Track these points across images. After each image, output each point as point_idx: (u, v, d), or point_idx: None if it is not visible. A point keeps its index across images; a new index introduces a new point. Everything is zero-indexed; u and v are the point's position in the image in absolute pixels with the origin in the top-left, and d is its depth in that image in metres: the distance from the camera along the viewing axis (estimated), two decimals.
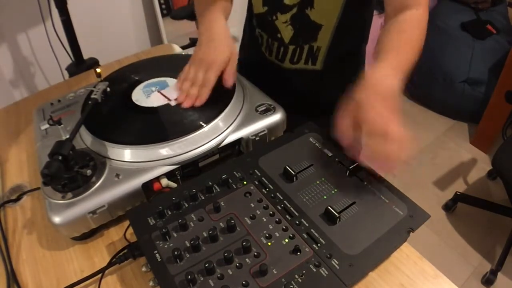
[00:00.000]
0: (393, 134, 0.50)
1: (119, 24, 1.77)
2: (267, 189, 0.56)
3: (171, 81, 0.74)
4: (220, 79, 0.67)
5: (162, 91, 0.71)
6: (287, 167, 0.57)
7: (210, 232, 0.49)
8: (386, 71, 0.57)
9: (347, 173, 0.57)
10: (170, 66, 0.79)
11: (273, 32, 0.81)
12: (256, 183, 0.57)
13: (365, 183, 0.56)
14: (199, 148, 0.61)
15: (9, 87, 1.58)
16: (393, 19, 0.65)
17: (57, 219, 0.54)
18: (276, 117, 0.67)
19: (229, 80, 0.68)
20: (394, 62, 0.59)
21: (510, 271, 1.52)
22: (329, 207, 0.51)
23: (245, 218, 0.52)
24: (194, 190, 0.55)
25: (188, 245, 0.49)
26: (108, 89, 0.70)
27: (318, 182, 0.57)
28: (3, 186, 0.71)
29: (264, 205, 0.54)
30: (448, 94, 2.18)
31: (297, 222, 0.51)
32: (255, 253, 0.48)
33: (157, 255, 0.48)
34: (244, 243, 0.47)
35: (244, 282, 0.45)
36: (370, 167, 0.57)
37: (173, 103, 0.68)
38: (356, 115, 0.53)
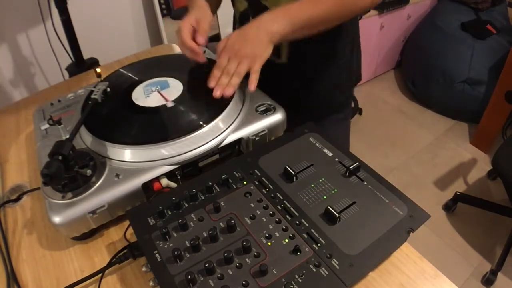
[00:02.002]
0: (239, 51, 0.64)
1: (119, 24, 1.77)
2: (267, 189, 0.56)
3: (171, 81, 0.74)
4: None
5: (162, 91, 0.71)
6: (287, 167, 0.57)
7: (210, 232, 0.49)
8: (270, 15, 0.65)
9: (347, 173, 0.57)
10: (170, 66, 0.79)
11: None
12: (256, 183, 0.57)
13: (365, 183, 0.56)
14: (199, 148, 0.61)
15: (9, 87, 1.58)
16: None
17: (57, 219, 0.54)
18: (276, 117, 0.67)
19: (198, 37, 0.70)
20: (288, 7, 0.66)
21: (510, 271, 1.52)
22: (329, 207, 0.51)
23: (245, 218, 0.52)
24: (194, 190, 0.55)
25: (188, 245, 0.49)
26: (108, 89, 0.70)
27: (318, 182, 0.57)
28: (3, 186, 0.71)
29: (264, 205, 0.54)
30: (448, 94, 2.18)
31: (297, 222, 0.51)
32: (255, 253, 0.48)
33: (157, 255, 0.48)
34: (244, 243, 0.48)
35: (244, 282, 0.45)
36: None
37: (169, 104, 0.67)
38: (226, 40, 0.66)
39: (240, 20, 0.87)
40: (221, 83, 0.65)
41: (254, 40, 0.65)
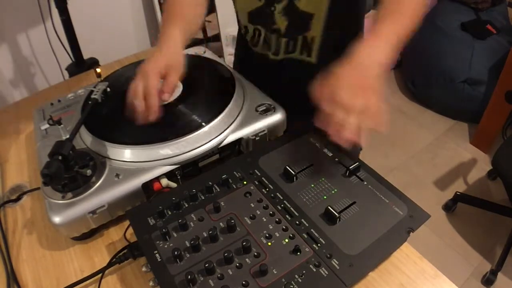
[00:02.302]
0: (354, 107, 0.52)
1: (119, 24, 1.77)
2: (267, 189, 0.56)
3: None
4: (226, 75, 0.67)
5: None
6: (287, 167, 0.57)
7: (210, 232, 0.49)
8: (373, 45, 0.58)
9: (347, 173, 0.57)
10: None
11: (271, 24, 0.81)
12: (256, 183, 0.57)
13: (365, 183, 0.56)
14: (199, 148, 0.61)
15: (9, 87, 1.58)
16: None
17: (57, 219, 0.54)
18: (276, 117, 0.67)
19: (163, 93, 0.63)
20: (385, 33, 0.59)
21: (510, 271, 1.52)
22: (329, 207, 0.51)
23: (245, 218, 0.52)
24: (194, 190, 0.55)
25: (188, 245, 0.49)
26: (108, 89, 0.70)
27: (318, 182, 0.57)
28: (3, 186, 0.71)
29: (264, 205, 0.54)
30: (448, 94, 2.18)
31: (297, 222, 0.51)
32: (255, 253, 0.48)
33: (157, 255, 0.48)
34: (244, 243, 0.48)
35: (244, 282, 0.45)
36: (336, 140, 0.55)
37: (171, 99, 0.66)
38: (330, 87, 0.56)
39: (251, 19, 0.85)
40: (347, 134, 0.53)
41: (366, 84, 0.55)
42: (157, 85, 0.62)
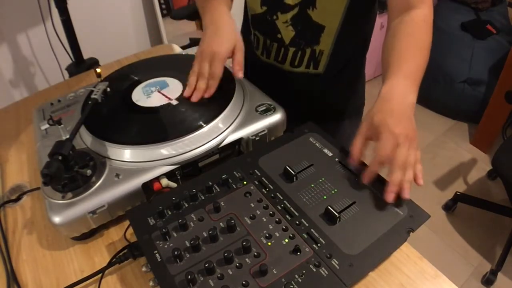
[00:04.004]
0: (401, 162, 0.51)
1: (119, 24, 1.77)
2: (267, 189, 0.56)
3: (171, 81, 0.74)
4: (226, 75, 0.67)
5: (162, 91, 0.71)
6: (287, 167, 0.57)
7: (210, 232, 0.49)
8: (404, 86, 0.57)
9: (347, 173, 0.57)
10: (170, 66, 0.79)
11: (273, 33, 0.80)
12: (256, 183, 0.57)
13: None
14: (199, 148, 0.61)
15: (9, 87, 1.58)
16: (397, 20, 0.64)
17: (57, 219, 0.54)
18: (276, 117, 0.67)
19: (237, 70, 0.66)
20: (407, 72, 0.58)
21: (510, 271, 1.52)
22: (329, 207, 0.51)
23: (245, 218, 0.52)
24: (194, 190, 0.55)
25: (188, 245, 0.49)
26: (108, 89, 0.70)
27: (318, 182, 0.57)
28: (3, 186, 0.71)
29: (264, 205, 0.54)
30: (448, 94, 2.18)
31: (297, 222, 0.51)
32: (255, 253, 0.48)
33: (157, 255, 0.48)
34: (244, 243, 0.47)
35: (244, 282, 0.45)
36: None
37: (174, 102, 0.67)
38: (371, 136, 0.55)
39: (252, 22, 0.85)
40: (400, 185, 0.52)
41: (409, 128, 0.54)
42: (222, 70, 0.65)
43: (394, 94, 0.56)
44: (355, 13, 0.73)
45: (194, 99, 0.65)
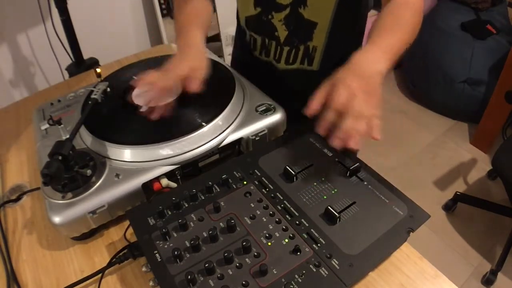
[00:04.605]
0: (353, 111, 0.52)
1: (119, 24, 1.77)
2: (267, 189, 0.56)
3: None
4: (226, 75, 0.66)
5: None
6: (287, 167, 0.57)
7: (210, 232, 0.49)
8: (373, 54, 0.58)
9: (347, 173, 0.57)
10: None
11: (270, 32, 0.80)
12: (256, 183, 0.57)
13: (365, 183, 0.56)
14: (199, 148, 0.61)
15: (9, 87, 1.58)
16: (388, 4, 0.66)
17: (57, 219, 0.54)
18: (276, 117, 0.67)
19: (191, 86, 0.62)
20: (383, 44, 0.60)
21: (510, 271, 1.52)
22: (329, 207, 0.51)
23: (245, 218, 0.52)
24: (194, 190, 0.55)
25: (188, 245, 0.49)
26: (108, 89, 0.70)
27: (318, 182, 0.57)
28: (3, 186, 0.71)
29: (264, 205, 0.54)
30: (448, 94, 2.18)
31: (297, 222, 0.51)
32: (255, 253, 0.48)
33: (157, 255, 0.48)
34: (244, 243, 0.47)
35: (244, 282, 0.45)
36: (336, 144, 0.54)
37: (143, 108, 0.65)
38: (330, 92, 0.55)
39: (247, 24, 0.85)
40: (349, 133, 0.52)
41: (372, 92, 0.55)
42: (171, 85, 0.62)
43: (363, 60, 0.58)
44: (346, 8, 0.74)
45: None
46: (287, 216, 0.52)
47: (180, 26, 0.72)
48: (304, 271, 0.46)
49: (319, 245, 0.49)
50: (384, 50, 0.59)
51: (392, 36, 0.61)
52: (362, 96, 0.53)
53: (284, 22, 0.77)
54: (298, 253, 0.48)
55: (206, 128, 0.62)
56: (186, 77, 0.62)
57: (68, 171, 0.55)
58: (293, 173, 0.56)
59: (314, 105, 0.56)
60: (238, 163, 0.60)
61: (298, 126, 0.68)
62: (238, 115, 0.67)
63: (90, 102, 0.65)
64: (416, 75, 2.39)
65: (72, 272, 0.56)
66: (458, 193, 1.75)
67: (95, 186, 0.57)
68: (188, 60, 0.65)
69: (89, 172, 0.56)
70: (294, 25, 0.76)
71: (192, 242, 0.48)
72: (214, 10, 1.86)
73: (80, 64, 1.43)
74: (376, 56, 0.58)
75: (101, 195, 0.56)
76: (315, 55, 0.80)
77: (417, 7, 0.64)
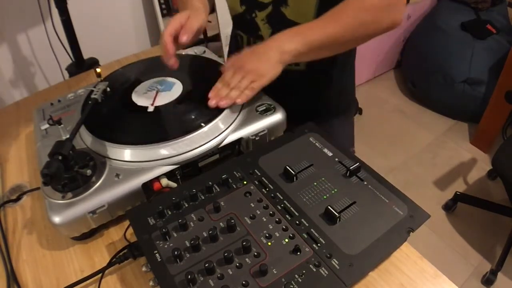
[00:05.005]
0: (232, 84, 0.63)
1: (119, 24, 1.77)
2: (267, 189, 0.56)
3: (171, 81, 0.74)
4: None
5: (161, 92, 0.71)
6: (287, 167, 0.57)
7: (210, 232, 0.49)
8: (283, 35, 0.64)
9: (347, 173, 0.57)
10: None
11: (254, 31, 0.80)
12: (256, 183, 0.57)
13: (365, 183, 0.56)
14: (199, 148, 0.61)
15: (9, 87, 1.58)
16: None
17: (57, 219, 0.54)
18: (276, 117, 0.67)
19: (181, 34, 0.66)
20: (302, 29, 0.64)
21: (510, 271, 1.52)
22: (329, 207, 0.51)
23: (245, 218, 0.52)
24: (194, 190, 0.55)
25: (188, 245, 0.49)
26: (108, 89, 0.70)
27: (318, 182, 0.57)
28: (3, 186, 0.71)
29: (264, 205, 0.54)
30: (448, 94, 2.18)
31: (297, 222, 0.51)
32: (255, 253, 0.48)
33: (157, 255, 0.48)
34: (244, 243, 0.47)
35: (244, 282, 0.45)
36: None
37: (150, 108, 0.67)
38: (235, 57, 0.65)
39: (234, 24, 0.87)
40: (219, 94, 0.65)
41: (263, 58, 0.63)
42: (173, 30, 0.66)
43: (272, 38, 0.64)
44: (327, 9, 0.73)
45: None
46: (287, 216, 0.52)
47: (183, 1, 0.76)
48: (304, 271, 0.46)
49: (319, 245, 0.49)
50: (302, 35, 0.63)
51: (320, 28, 0.63)
52: (243, 74, 0.63)
53: (266, 21, 0.77)
54: (298, 253, 0.48)
55: (206, 128, 0.62)
56: (183, 26, 0.67)
57: (68, 171, 0.55)
58: (293, 173, 0.56)
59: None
60: (238, 163, 0.60)
61: (291, 125, 0.69)
62: (238, 115, 0.67)
63: (90, 102, 0.65)
64: (416, 75, 2.39)
65: (72, 272, 0.56)
66: (458, 193, 1.75)
67: (95, 186, 0.57)
68: (184, 13, 0.68)
69: (89, 172, 0.56)
70: (277, 24, 0.76)
71: (192, 242, 0.48)
72: (214, 10, 1.86)
73: (80, 64, 1.43)
74: (287, 37, 0.63)
75: (101, 195, 0.56)
76: None
77: (369, 5, 0.63)
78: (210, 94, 0.65)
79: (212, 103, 0.64)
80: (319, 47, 0.63)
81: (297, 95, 0.86)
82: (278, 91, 0.79)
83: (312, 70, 0.82)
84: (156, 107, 0.67)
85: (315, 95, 0.88)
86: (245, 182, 0.57)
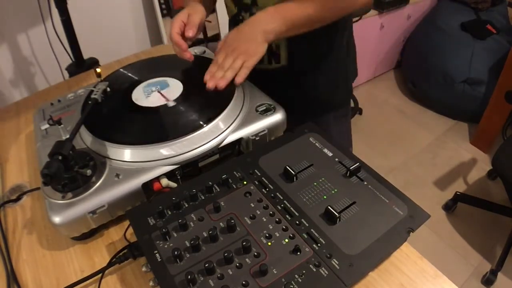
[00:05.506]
0: (225, 66, 0.67)
1: (119, 24, 1.76)
2: (267, 189, 0.56)
3: (171, 81, 0.74)
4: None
5: (162, 91, 0.71)
6: (287, 167, 0.57)
7: (210, 232, 0.49)
8: (264, 14, 0.68)
9: (347, 173, 0.57)
10: (170, 66, 0.79)
11: None
12: (256, 183, 0.57)
13: (365, 183, 0.56)
14: (199, 148, 0.61)
15: (9, 87, 1.58)
16: None
17: (57, 219, 0.54)
18: (276, 117, 0.67)
19: (187, 29, 0.71)
20: (282, 9, 0.68)
21: (510, 271, 1.52)
22: (329, 207, 0.51)
23: (245, 218, 0.52)
24: (194, 190, 0.55)
25: (188, 245, 0.49)
26: (108, 89, 0.70)
27: (318, 182, 0.57)
28: (3, 186, 0.71)
29: (264, 205, 0.54)
30: (448, 94, 2.18)
31: (297, 222, 0.51)
32: (255, 253, 0.48)
33: (157, 255, 0.48)
34: (244, 243, 0.47)
35: (244, 282, 0.45)
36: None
37: (171, 103, 0.68)
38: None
39: (230, 24, 0.88)
40: (216, 76, 0.68)
41: (249, 38, 0.67)
42: (179, 28, 0.71)
43: (254, 19, 0.68)
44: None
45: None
46: (287, 216, 0.52)
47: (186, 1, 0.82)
48: (304, 271, 0.46)
49: (319, 245, 0.49)
50: (282, 15, 0.67)
51: (299, 8, 0.68)
52: (236, 55, 0.66)
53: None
54: (298, 253, 0.48)
55: (206, 128, 0.62)
56: (186, 23, 0.72)
57: (68, 171, 0.55)
58: (293, 173, 0.56)
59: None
60: (238, 163, 0.60)
61: (291, 125, 0.69)
62: (238, 115, 0.67)
63: (90, 102, 0.65)
64: (416, 75, 2.39)
65: (72, 272, 0.56)
66: (458, 193, 1.75)
67: (95, 186, 0.57)
68: (184, 10, 0.73)
69: (89, 172, 0.56)
70: None
71: (192, 242, 0.48)
72: (214, 10, 1.86)
73: (80, 64, 1.43)
74: (268, 17, 0.67)
75: (101, 195, 0.56)
76: (280, 52, 0.82)
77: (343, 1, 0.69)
78: (206, 77, 0.68)
79: (210, 84, 0.66)
80: (298, 25, 0.69)
81: (281, 92, 0.86)
82: (273, 91, 0.79)
83: (294, 64, 0.84)
84: (156, 107, 0.67)
85: (301, 90, 0.89)
86: (245, 182, 0.57)
